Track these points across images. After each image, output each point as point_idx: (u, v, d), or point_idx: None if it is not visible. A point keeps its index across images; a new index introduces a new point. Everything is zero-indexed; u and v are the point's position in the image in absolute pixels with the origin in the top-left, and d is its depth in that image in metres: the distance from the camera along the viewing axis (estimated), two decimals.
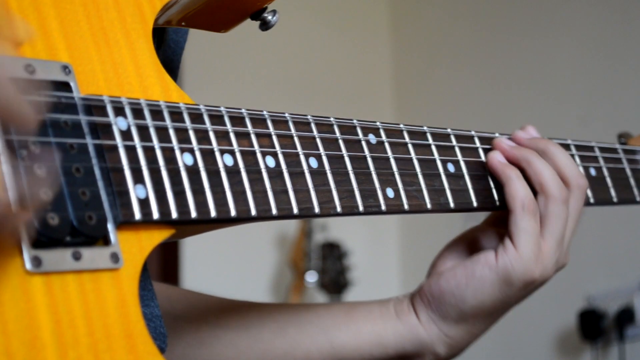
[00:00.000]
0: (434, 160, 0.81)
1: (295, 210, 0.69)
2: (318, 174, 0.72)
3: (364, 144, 0.77)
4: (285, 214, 0.69)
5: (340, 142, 0.75)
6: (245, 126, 0.69)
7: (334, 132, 0.75)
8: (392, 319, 0.88)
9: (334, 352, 0.88)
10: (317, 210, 0.71)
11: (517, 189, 0.84)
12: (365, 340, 0.88)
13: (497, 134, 0.89)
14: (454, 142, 0.84)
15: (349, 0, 3.82)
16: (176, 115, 0.65)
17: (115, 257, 0.59)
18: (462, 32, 3.57)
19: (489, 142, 0.88)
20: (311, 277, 3.14)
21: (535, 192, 0.85)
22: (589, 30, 3.10)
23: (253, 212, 0.67)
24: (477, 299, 0.84)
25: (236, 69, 3.44)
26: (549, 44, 3.21)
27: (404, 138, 0.80)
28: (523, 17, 3.36)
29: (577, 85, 3.11)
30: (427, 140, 0.82)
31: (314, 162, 0.72)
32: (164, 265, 3.11)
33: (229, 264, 3.26)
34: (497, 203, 0.86)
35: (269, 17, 0.76)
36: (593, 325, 2.85)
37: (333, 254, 3.18)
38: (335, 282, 3.12)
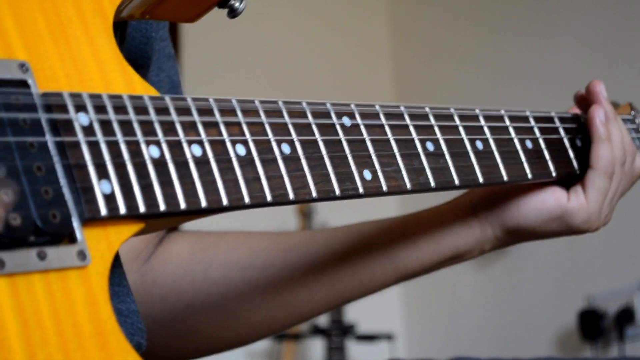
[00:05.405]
0: (412, 139, 0.80)
1: (269, 198, 0.68)
2: (291, 160, 0.71)
3: (338, 127, 0.76)
4: (258, 201, 0.68)
5: (313, 126, 0.74)
6: (214, 115, 0.68)
7: (306, 117, 0.74)
8: (454, 221, 0.98)
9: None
10: (291, 196, 0.70)
11: (606, 151, 0.93)
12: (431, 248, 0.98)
13: (477, 110, 0.88)
14: (433, 122, 0.83)
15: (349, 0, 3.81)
16: (140, 108, 0.64)
17: (82, 255, 0.58)
18: (462, 31, 3.56)
19: (469, 120, 0.86)
20: None
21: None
22: (589, 30, 3.08)
23: (225, 201, 0.66)
24: (536, 223, 0.94)
25: (236, 68, 3.43)
26: (549, 43, 3.19)
27: (379, 119, 0.79)
28: (523, 17, 3.34)
29: (577, 84, 3.08)
30: (405, 120, 0.81)
31: (286, 148, 0.71)
32: None
33: None
34: (480, 180, 0.84)
35: (237, 4, 0.75)
36: (593, 325, 2.85)
37: None
38: None
